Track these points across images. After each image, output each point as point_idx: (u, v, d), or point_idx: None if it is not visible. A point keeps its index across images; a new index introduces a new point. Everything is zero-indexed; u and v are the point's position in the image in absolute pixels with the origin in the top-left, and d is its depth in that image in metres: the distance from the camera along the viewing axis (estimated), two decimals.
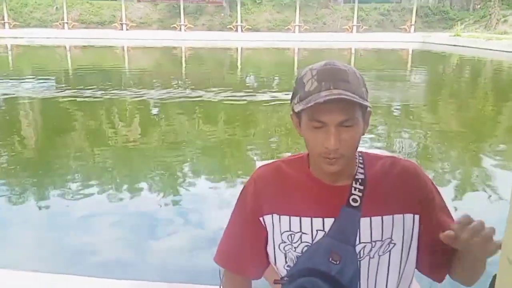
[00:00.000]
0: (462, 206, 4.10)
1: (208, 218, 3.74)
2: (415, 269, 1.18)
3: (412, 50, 22.89)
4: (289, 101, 1.13)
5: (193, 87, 10.46)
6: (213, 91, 9.65)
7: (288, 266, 1.16)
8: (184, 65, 17.31)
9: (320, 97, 0.99)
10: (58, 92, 9.87)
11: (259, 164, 1.85)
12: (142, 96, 9.20)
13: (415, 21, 29.12)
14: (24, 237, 3.42)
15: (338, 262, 1.06)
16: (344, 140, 1.03)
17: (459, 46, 22.08)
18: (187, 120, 7.56)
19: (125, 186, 4.50)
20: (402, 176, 1.13)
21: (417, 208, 1.12)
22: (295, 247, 1.13)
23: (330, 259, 1.07)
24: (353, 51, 22.43)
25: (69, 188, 4.37)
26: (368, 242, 1.10)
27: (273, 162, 1.23)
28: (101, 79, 12.11)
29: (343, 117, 1.02)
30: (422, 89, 11.77)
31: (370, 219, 1.10)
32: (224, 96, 9.14)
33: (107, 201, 4.13)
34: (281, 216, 1.14)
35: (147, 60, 19.24)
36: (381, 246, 1.11)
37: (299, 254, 1.13)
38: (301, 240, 1.12)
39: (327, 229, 1.11)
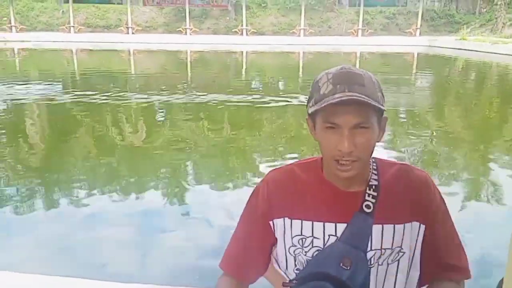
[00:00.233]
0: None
1: None
2: None
3: (418, 54, 22.82)
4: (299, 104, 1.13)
5: (206, 90, 10.48)
6: (223, 93, 9.69)
7: (297, 269, 1.16)
8: (189, 68, 17.34)
9: (334, 98, 0.99)
10: (68, 95, 9.92)
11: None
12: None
13: (421, 25, 29.05)
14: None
15: (349, 268, 1.06)
16: (359, 143, 1.02)
17: (465, 50, 21.99)
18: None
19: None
20: (415, 185, 1.13)
21: (424, 218, 1.12)
22: (305, 251, 1.13)
23: (341, 264, 1.07)
24: (358, 54, 22.40)
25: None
26: (379, 249, 1.10)
27: (286, 165, 1.23)
28: (109, 82, 12.17)
29: (357, 119, 1.01)
30: (430, 93, 11.73)
31: (382, 226, 1.10)
32: (238, 99, 9.19)
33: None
34: (293, 220, 1.14)
35: (154, 63, 19.30)
36: (390, 254, 1.10)
37: (310, 258, 1.13)
38: (312, 245, 1.12)
39: (339, 234, 1.10)
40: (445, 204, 1.16)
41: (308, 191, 1.15)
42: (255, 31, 30.65)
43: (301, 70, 16.92)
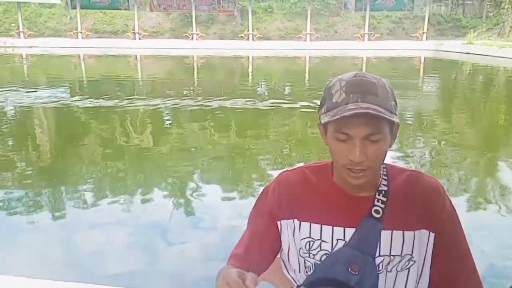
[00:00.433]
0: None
1: None
2: None
3: (425, 58, 22.74)
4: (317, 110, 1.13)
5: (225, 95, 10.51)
6: (234, 99, 9.71)
7: (305, 273, 1.16)
8: (196, 73, 17.39)
9: (346, 110, 0.99)
10: (79, 100, 9.98)
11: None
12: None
13: (427, 29, 28.98)
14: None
15: (357, 273, 1.06)
16: (370, 153, 1.02)
17: (472, 54, 21.90)
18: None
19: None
20: (425, 192, 1.12)
21: (433, 226, 1.11)
22: (313, 255, 1.13)
23: (349, 269, 1.06)
24: (364, 59, 22.35)
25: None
26: (387, 256, 1.09)
27: (296, 167, 1.23)
28: (118, 87, 12.23)
29: (369, 131, 1.01)
30: (438, 97, 11.67)
31: (391, 232, 1.09)
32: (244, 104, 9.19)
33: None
34: (301, 222, 1.14)
35: (162, 68, 19.38)
36: (399, 262, 1.09)
37: (318, 262, 1.12)
38: (320, 248, 1.12)
39: (347, 238, 1.10)
40: (456, 213, 1.15)
41: (318, 194, 1.15)
42: (261, 36, 30.74)
43: (307, 75, 16.91)
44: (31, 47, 26.65)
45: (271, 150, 6.16)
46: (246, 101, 9.64)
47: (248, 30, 29.89)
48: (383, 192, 1.11)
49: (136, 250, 3.35)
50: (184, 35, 30.38)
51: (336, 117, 0.99)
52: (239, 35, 30.65)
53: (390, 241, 1.09)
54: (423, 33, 28.95)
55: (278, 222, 1.17)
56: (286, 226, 1.16)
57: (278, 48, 26.58)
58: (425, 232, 1.10)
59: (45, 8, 32.89)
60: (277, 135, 7.04)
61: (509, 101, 11.01)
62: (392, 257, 1.09)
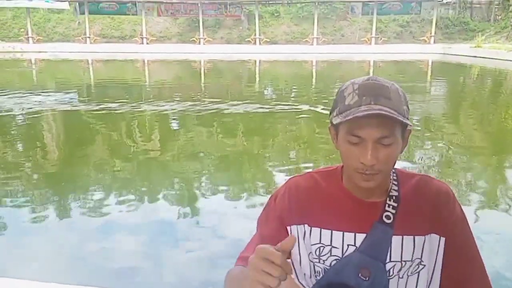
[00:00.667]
0: None
1: None
2: None
3: (432, 62, 22.67)
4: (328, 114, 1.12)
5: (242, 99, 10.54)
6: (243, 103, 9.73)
7: (315, 277, 1.15)
8: (203, 77, 17.45)
9: (359, 111, 0.99)
10: (87, 104, 10.05)
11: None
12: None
13: (435, 32, 28.89)
14: None
15: (367, 279, 1.06)
16: (382, 157, 1.02)
17: (480, 57, 21.79)
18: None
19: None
20: (435, 197, 1.12)
21: (443, 230, 1.11)
22: (323, 260, 1.12)
23: (360, 275, 1.06)
24: (371, 63, 22.32)
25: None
26: (398, 261, 1.08)
27: (306, 173, 1.23)
28: (126, 91, 12.31)
29: (382, 133, 1.00)
30: (447, 101, 11.61)
31: (402, 237, 1.09)
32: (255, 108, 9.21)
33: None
34: (312, 228, 1.13)
35: (170, 73, 19.47)
36: (410, 266, 1.09)
37: (327, 267, 1.12)
38: (330, 254, 1.11)
39: (358, 244, 1.10)
40: (465, 217, 1.14)
41: (329, 199, 1.14)
42: (268, 40, 30.79)
43: (314, 78, 16.91)
44: (40, 52, 26.90)
45: (280, 153, 6.15)
46: (253, 104, 9.65)
47: (255, 35, 29.96)
48: (393, 197, 1.11)
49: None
50: (191, 39, 30.51)
51: (349, 118, 0.99)
52: (246, 40, 30.73)
53: (401, 247, 1.08)
54: (431, 36, 28.85)
55: (288, 227, 1.16)
56: (296, 231, 1.15)
57: (285, 52, 26.62)
58: (435, 236, 1.10)
59: (53, 13, 33.19)
60: (285, 138, 7.04)
61: None
62: (403, 262, 1.08)
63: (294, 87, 13.87)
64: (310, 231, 1.13)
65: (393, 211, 1.09)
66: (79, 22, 32.06)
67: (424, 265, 1.09)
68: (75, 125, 8.33)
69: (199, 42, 29.88)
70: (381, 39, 29.73)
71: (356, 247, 1.09)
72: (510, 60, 19.67)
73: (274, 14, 33.38)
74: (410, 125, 1.03)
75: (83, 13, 30.32)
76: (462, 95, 12.68)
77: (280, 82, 15.53)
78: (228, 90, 13.01)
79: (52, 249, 3.45)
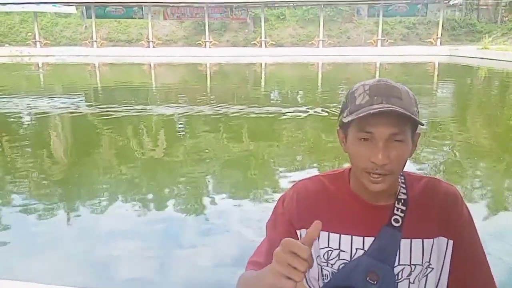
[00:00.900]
0: None
1: None
2: None
3: (439, 63, 22.59)
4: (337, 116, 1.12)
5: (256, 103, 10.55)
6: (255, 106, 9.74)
7: (322, 281, 1.14)
8: (209, 80, 17.50)
9: (372, 109, 0.99)
10: (94, 108, 10.10)
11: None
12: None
13: (442, 34, 28.82)
14: None
15: (375, 282, 1.05)
16: (393, 156, 1.01)
17: (487, 59, 21.70)
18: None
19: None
20: (444, 200, 1.11)
21: (451, 233, 1.10)
22: (331, 264, 1.12)
23: (368, 279, 1.06)
24: (378, 65, 22.28)
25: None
26: (407, 265, 1.08)
27: (314, 176, 1.22)
28: (132, 95, 12.37)
29: (393, 130, 1.00)
30: (455, 103, 11.55)
31: (411, 241, 1.08)
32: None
33: None
34: (320, 232, 1.10)
35: (178, 76, 19.55)
36: (420, 271, 1.08)
37: (335, 271, 1.11)
38: (338, 257, 1.11)
39: (367, 248, 1.09)
40: (472, 220, 1.14)
41: (337, 203, 1.14)
42: (274, 43, 30.86)
43: (320, 81, 16.90)
44: (47, 56, 27.12)
45: (288, 156, 6.14)
46: (259, 107, 9.66)
47: (260, 37, 30.03)
48: (402, 200, 1.10)
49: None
50: (197, 43, 30.64)
51: (362, 114, 0.99)
52: (252, 43, 30.81)
53: (409, 250, 1.08)
54: (437, 38, 28.79)
55: (298, 231, 1.15)
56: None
57: (291, 55, 26.65)
58: (443, 239, 1.10)
59: (61, 17, 33.49)
60: (292, 141, 7.03)
61: None
62: (413, 266, 1.08)
63: (300, 89, 13.87)
64: (319, 235, 1.12)
65: (402, 215, 1.09)
66: (86, 26, 32.31)
67: (432, 268, 1.09)
68: (82, 128, 8.37)
69: (205, 45, 29.99)
70: (387, 41, 29.69)
71: (365, 250, 1.09)
72: None
73: (279, 17, 33.47)
74: (422, 124, 1.03)
75: (90, 17, 30.56)
76: (469, 97, 12.60)
77: (286, 84, 15.53)
78: (234, 93, 13.03)
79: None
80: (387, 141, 1.00)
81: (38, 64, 23.89)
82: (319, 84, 15.69)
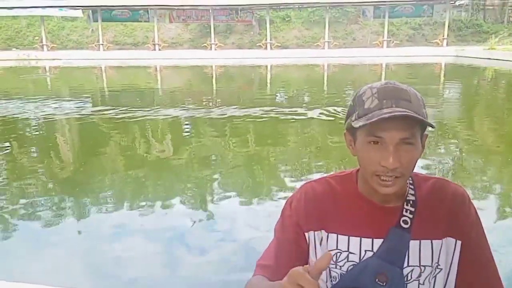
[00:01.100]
0: None
1: None
2: None
3: (445, 64, 22.50)
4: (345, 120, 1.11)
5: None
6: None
7: (331, 283, 1.15)
8: (215, 82, 17.54)
9: (383, 113, 0.98)
10: (101, 110, 10.15)
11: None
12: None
13: (448, 35, 28.70)
14: None
15: (384, 284, 1.05)
16: (403, 159, 1.01)
17: (494, 59, 21.58)
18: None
19: None
20: (452, 201, 1.11)
21: (459, 234, 1.10)
22: (340, 266, 1.12)
23: (377, 280, 1.06)
24: (384, 66, 22.23)
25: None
26: (417, 266, 1.08)
27: (321, 178, 1.22)
28: (139, 97, 12.43)
29: (404, 134, 1.00)
30: (463, 104, 11.50)
31: (420, 242, 1.08)
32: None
33: None
34: (329, 234, 1.13)
35: (185, 78, 19.60)
36: (430, 272, 1.08)
37: (344, 272, 1.11)
38: (347, 259, 1.11)
39: (375, 249, 1.09)
40: (480, 221, 1.14)
41: (345, 205, 1.14)
42: (279, 45, 30.88)
43: (326, 82, 16.89)
44: (54, 59, 27.30)
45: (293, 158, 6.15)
46: (265, 109, 9.67)
47: (266, 39, 30.05)
48: (410, 202, 1.10)
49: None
50: (202, 45, 30.72)
51: (374, 120, 0.98)
52: (257, 45, 30.84)
53: (418, 251, 1.08)
54: (443, 39, 28.67)
55: (306, 234, 1.15)
56: (313, 237, 1.15)
57: (296, 56, 26.66)
58: (451, 240, 1.10)
59: (67, 21, 33.72)
60: (298, 143, 7.03)
61: None
62: (422, 267, 1.08)
63: (306, 91, 13.86)
64: (327, 237, 1.13)
65: (410, 216, 1.09)
66: (92, 30, 32.51)
67: (441, 269, 1.09)
68: (88, 131, 8.42)
69: (211, 47, 30.07)
70: (393, 42, 29.62)
71: (374, 252, 1.09)
72: None
73: (285, 18, 33.49)
74: (433, 127, 1.02)
75: (96, 21, 30.73)
76: (476, 98, 12.53)
77: (292, 86, 15.53)
78: (240, 95, 13.05)
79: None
80: (397, 144, 1.00)
81: (45, 68, 24.05)
82: (325, 86, 15.67)
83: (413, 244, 1.08)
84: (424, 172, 5.26)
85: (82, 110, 10.23)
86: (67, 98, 12.59)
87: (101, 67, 23.88)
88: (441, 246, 1.09)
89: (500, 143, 7.20)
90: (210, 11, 30.14)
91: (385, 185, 1.03)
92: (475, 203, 1.17)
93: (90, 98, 12.77)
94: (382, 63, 23.06)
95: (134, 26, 33.10)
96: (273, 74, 20.64)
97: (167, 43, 31.64)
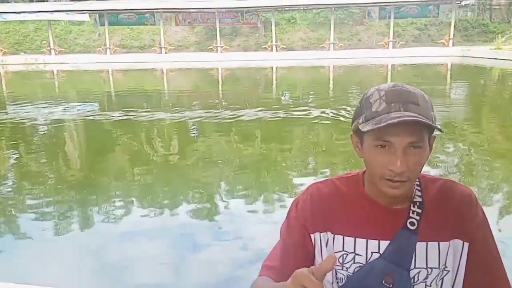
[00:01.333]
0: None
1: None
2: None
3: (451, 65, 22.38)
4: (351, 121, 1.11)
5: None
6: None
7: (337, 284, 1.14)
8: (221, 84, 17.58)
9: (391, 118, 0.97)
10: (109, 113, 10.21)
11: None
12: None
13: (454, 35, 28.53)
14: None
15: (391, 286, 1.05)
16: (411, 163, 1.00)
17: (501, 59, 21.42)
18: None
19: None
20: (459, 202, 1.10)
21: (467, 236, 1.10)
22: (346, 268, 1.11)
23: (383, 282, 1.05)
24: (389, 67, 22.13)
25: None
26: (424, 268, 1.07)
27: (327, 179, 1.21)
28: (145, 100, 12.50)
29: (412, 138, 0.99)
30: (470, 104, 11.44)
31: (427, 244, 1.08)
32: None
33: None
34: (335, 236, 1.12)
35: (188, 80, 19.65)
36: (438, 274, 1.08)
37: (350, 274, 1.11)
38: (354, 261, 1.10)
39: (382, 251, 1.09)
40: (487, 222, 1.13)
41: (351, 206, 1.13)
42: (285, 46, 30.88)
43: (332, 84, 16.86)
44: (61, 63, 27.46)
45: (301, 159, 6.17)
46: (271, 111, 9.68)
47: (271, 41, 30.06)
48: (417, 203, 1.10)
49: None
50: (208, 48, 30.78)
51: (382, 125, 0.97)
52: (263, 47, 30.85)
53: (425, 253, 1.08)
54: (449, 39, 28.51)
55: (312, 235, 1.14)
56: (319, 238, 1.14)
57: (302, 58, 26.63)
58: (458, 242, 1.09)
59: (74, 25, 33.90)
60: (304, 144, 7.04)
61: None
62: (429, 269, 1.07)
63: (312, 93, 13.86)
64: (333, 238, 1.13)
65: (417, 218, 1.08)
66: (99, 33, 32.68)
67: (448, 271, 1.09)
68: (97, 133, 8.49)
69: (217, 50, 30.12)
70: (398, 43, 29.51)
71: (380, 254, 1.08)
72: None
73: (290, 20, 33.48)
74: (441, 131, 1.02)
75: (103, 25, 30.90)
76: (483, 98, 12.46)
77: (297, 88, 15.53)
78: (246, 97, 13.06)
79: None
80: (405, 148, 0.99)
81: (53, 72, 24.20)
82: (331, 87, 15.64)
83: (420, 246, 1.07)
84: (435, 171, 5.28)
85: (89, 112, 10.31)
86: (74, 101, 12.68)
87: (108, 71, 23.98)
88: (448, 248, 1.08)
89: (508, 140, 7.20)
90: (216, 13, 30.21)
91: (393, 187, 1.02)
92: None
93: (97, 101, 12.85)
94: (388, 64, 22.95)
95: (140, 29, 33.23)
96: (279, 76, 20.62)
97: (173, 46, 31.75)
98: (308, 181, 5.04)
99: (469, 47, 26.74)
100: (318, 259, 1.15)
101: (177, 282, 3.13)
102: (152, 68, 24.37)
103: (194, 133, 8.47)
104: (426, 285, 1.07)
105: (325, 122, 8.45)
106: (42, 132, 8.64)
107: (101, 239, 3.84)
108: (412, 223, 1.07)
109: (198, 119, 9.31)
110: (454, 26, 28.64)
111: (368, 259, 1.09)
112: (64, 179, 5.65)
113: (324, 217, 1.14)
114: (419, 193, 1.11)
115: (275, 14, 30.65)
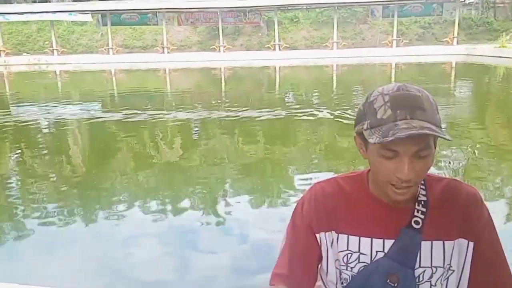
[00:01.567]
0: None
1: None
2: None
3: (456, 63, 22.33)
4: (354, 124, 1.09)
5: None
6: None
7: (341, 285, 1.14)
8: (224, 84, 17.56)
9: (398, 130, 0.95)
10: (111, 113, 10.21)
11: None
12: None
13: (458, 33, 28.45)
14: None
15: (396, 285, 1.06)
16: (418, 170, 1.00)
17: (505, 57, 21.36)
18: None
19: None
20: (464, 202, 1.10)
21: (472, 235, 1.09)
22: (351, 267, 1.11)
23: (388, 281, 1.06)
24: (393, 65, 22.13)
25: None
26: (429, 267, 1.07)
27: (331, 178, 1.21)
28: (148, 100, 12.49)
29: (418, 146, 0.98)
30: (476, 103, 11.39)
31: (431, 243, 1.08)
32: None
33: None
34: (339, 235, 1.13)
35: (191, 80, 19.67)
36: (443, 273, 1.08)
37: (355, 274, 1.11)
38: (358, 260, 1.10)
39: (387, 250, 1.09)
40: (492, 222, 1.13)
41: (355, 205, 1.13)
42: (288, 45, 30.83)
43: (335, 83, 16.84)
44: (64, 63, 27.54)
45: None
46: (274, 111, 9.66)
47: (274, 41, 30.03)
48: (422, 202, 1.09)
49: None
50: (211, 47, 30.78)
51: (391, 139, 0.94)
52: (266, 46, 30.83)
53: (430, 252, 1.07)
54: (454, 37, 28.42)
55: (317, 235, 1.15)
56: (325, 238, 1.14)
57: (305, 57, 26.61)
58: (463, 241, 1.09)
59: (77, 25, 33.97)
60: (307, 144, 7.00)
61: None
62: (434, 268, 1.07)
63: (315, 92, 13.82)
64: (337, 238, 1.13)
65: (422, 216, 1.08)
66: (101, 34, 32.75)
67: (453, 271, 1.09)
68: (100, 134, 8.48)
69: (219, 49, 30.11)
70: (402, 41, 29.42)
71: (385, 253, 1.09)
72: None
73: (293, 19, 33.44)
74: (450, 139, 1.01)
75: (106, 25, 30.96)
76: (489, 96, 12.39)
77: (301, 87, 15.49)
78: (249, 97, 13.05)
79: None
80: (412, 156, 0.99)
81: (55, 72, 24.28)
82: (334, 87, 15.60)
83: (425, 244, 1.07)
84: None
85: (93, 112, 10.30)
86: (77, 102, 12.68)
87: (111, 71, 24.04)
88: (453, 247, 1.08)
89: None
90: (218, 13, 30.22)
91: (400, 193, 1.02)
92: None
93: (100, 102, 12.85)
94: (392, 63, 22.95)
95: (143, 29, 33.29)
96: (282, 76, 20.60)
97: (175, 46, 31.76)
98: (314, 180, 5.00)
99: (473, 45, 26.66)
100: (324, 260, 1.16)
101: (177, 282, 3.10)
102: (155, 68, 24.40)
103: (197, 133, 8.44)
104: (431, 285, 1.08)
105: (329, 122, 8.42)
106: (45, 132, 8.65)
107: (104, 243, 3.80)
108: (416, 222, 1.08)
109: (201, 118, 9.30)
110: (458, 24, 28.56)
111: (373, 258, 1.09)
112: (67, 179, 5.63)
113: (328, 217, 1.14)
114: (423, 192, 1.11)
115: (278, 13, 30.61)
